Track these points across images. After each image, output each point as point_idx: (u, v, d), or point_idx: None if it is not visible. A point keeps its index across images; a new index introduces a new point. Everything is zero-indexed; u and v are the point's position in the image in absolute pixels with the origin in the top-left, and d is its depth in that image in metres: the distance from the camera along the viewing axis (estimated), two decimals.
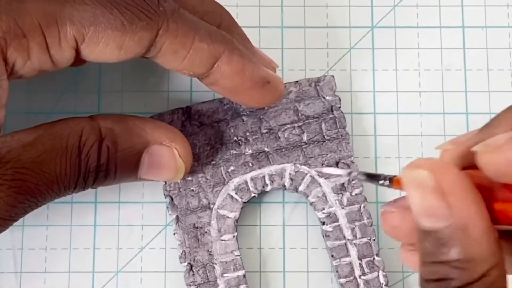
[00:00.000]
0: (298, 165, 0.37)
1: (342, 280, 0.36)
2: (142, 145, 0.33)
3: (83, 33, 0.30)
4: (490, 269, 0.23)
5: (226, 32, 0.33)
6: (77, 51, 0.31)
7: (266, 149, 0.37)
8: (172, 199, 0.37)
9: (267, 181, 0.37)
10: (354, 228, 0.36)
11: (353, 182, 0.37)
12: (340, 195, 0.36)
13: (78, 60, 0.32)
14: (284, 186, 0.37)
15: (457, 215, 0.23)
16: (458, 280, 0.23)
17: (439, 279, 0.23)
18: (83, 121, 0.32)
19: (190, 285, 0.36)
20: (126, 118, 0.33)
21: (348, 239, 0.36)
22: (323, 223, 0.36)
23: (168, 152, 0.34)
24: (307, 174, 0.37)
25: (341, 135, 0.37)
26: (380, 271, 0.36)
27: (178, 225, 0.36)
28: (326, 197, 0.37)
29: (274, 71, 0.36)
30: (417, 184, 0.24)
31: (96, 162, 0.31)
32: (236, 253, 0.36)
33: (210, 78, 0.33)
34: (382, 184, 0.26)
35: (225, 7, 0.35)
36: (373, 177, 0.27)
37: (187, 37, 0.31)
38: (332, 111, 0.37)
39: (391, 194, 0.38)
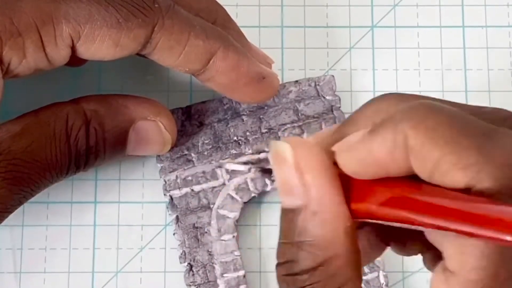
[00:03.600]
0: None
1: None
2: (128, 122, 0.33)
3: (78, 31, 0.30)
4: (334, 258, 0.22)
5: (221, 28, 0.33)
6: (73, 49, 0.31)
7: (266, 149, 0.37)
8: (172, 199, 0.36)
9: (267, 181, 0.37)
10: None
11: None
12: None
13: (76, 59, 0.32)
14: None
15: (311, 195, 0.22)
16: (301, 264, 0.22)
17: (286, 261, 0.22)
18: (67, 106, 0.32)
19: (190, 285, 0.36)
20: (108, 97, 0.34)
21: None
22: None
23: (154, 126, 0.34)
24: None
25: None
26: (380, 271, 0.36)
27: (178, 225, 0.36)
28: None
29: (270, 67, 0.36)
30: (278, 158, 0.23)
31: (85, 145, 0.32)
32: (236, 253, 0.36)
33: (206, 74, 0.33)
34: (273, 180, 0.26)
35: (225, 7, 0.35)
36: (267, 172, 0.27)
37: (182, 33, 0.31)
38: (332, 111, 0.37)
39: None
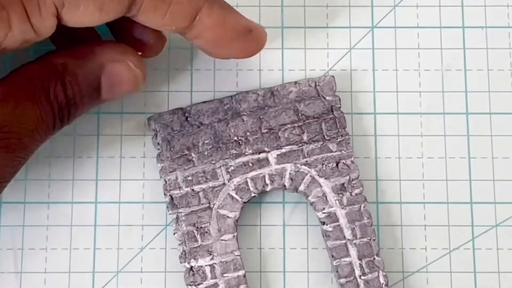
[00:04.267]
0: (298, 165, 0.37)
1: (342, 280, 0.36)
2: (98, 67, 0.34)
3: None
4: None
5: None
6: (58, 18, 0.31)
7: (266, 149, 0.37)
8: (172, 198, 0.37)
9: (267, 181, 0.37)
10: (354, 228, 0.36)
11: (353, 182, 0.37)
12: (340, 195, 0.37)
13: (64, 31, 0.32)
14: (284, 186, 0.37)
15: None
16: None
17: None
18: (37, 64, 0.32)
19: (190, 285, 0.36)
20: (74, 48, 0.34)
21: (348, 239, 0.36)
22: (323, 223, 0.36)
23: (124, 66, 0.34)
24: (307, 174, 0.37)
25: (341, 135, 0.37)
26: (380, 271, 0.36)
27: (178, 225, 0.36)
28: (326, 197, 0.37)
29: (265, 33, 0.36)
30: None
31: (64, 98, 0.32)
32: (236, 253, 0.36)
33: (193, 31, 0.33)
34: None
35: None
36: None
37: None
38: (332, 111, 0.37)
39: (391, 195, 0.38)
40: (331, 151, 0.37)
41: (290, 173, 0.37)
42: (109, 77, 0.34)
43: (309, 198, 0.37)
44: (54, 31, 0.31)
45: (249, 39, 0.35)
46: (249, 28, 0.35)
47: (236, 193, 0.37)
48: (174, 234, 0.36)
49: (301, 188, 0.37)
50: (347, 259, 0.36)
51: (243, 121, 0.37)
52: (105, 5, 0.31)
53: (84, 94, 0.33)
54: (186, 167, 0.37)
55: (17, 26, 0.30)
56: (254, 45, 0.36)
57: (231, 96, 0.38)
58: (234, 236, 0.36)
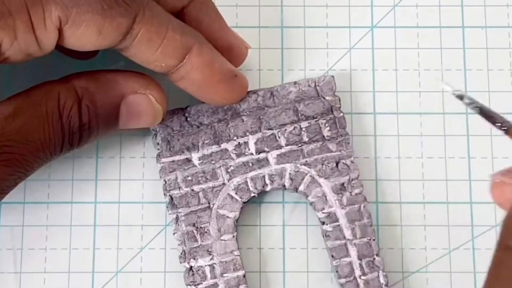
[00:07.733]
0: (298, 165, 0.37)
1: (342, 280, 0.36)
2: (119, 97, 0.34)
3: (66, 14, 0.30)
4: None
5: (199, 6, 0.34)
6: (60, 33, 0.31)
7: (266, 149, 0.37)
8: (172, 198, 0.37)
9: (267, 181, 0.37)
10: (354, 228, 0.36)
11: (353, 182, 0.37)
12: (340, 195, 0.36)
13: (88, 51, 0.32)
14: (284, 186, 0.37)
15: None
16: None
17: None
18: (58, 84, 0.32)
19: (190, 285, 0.36)
20: (98, 73, 0.34)
21: (348, 239, 0.36)
22: (323, 223, 0.36)
23: (145, 99, 0.34)
24: (307, 174, 0.37)
25: (341, 135, 0.37)
26: (380, 271, 0.36)
27: (178, 225, 0.36)
28: (326, 197, 0.37)
29: (246, 51, 0.37)
30: None
31: (78, 122, 0.32)
32: (236, 253, 0.36)
33: (181, 71, 0.33)
34: (499, 128, 0.26)
35: (225, 7, 0.35)
36: (488, 116, 0.27)
37: (161, 26, 0.32)
38: (332, 111, 0.37)
39: (391, 195, 0.38)
40: (331, 151, 0.37)
41: (290, 173, 0.37)
42: (129, 108, 0.34)
43: (309, 198, 0.37)
44: (54, 48, 0.31)
45: (233, 83, 0.35)
46: (235, 73, 0.35)
47: (236, 193, 0.37)
48: (173, 234, 0.36)
49: (301, 188, 0.37)
50: (347, 259, 0.36)
51: (243, 121, 0.37)
52: (105, 28, 0.31)
53: (100, 121, 0.33)
54: (186, 167, 0.37)
55: (22, 36, 0.30)
56: (238, 90, 0.36)
57: None
58: (233, 236, 0.36)
